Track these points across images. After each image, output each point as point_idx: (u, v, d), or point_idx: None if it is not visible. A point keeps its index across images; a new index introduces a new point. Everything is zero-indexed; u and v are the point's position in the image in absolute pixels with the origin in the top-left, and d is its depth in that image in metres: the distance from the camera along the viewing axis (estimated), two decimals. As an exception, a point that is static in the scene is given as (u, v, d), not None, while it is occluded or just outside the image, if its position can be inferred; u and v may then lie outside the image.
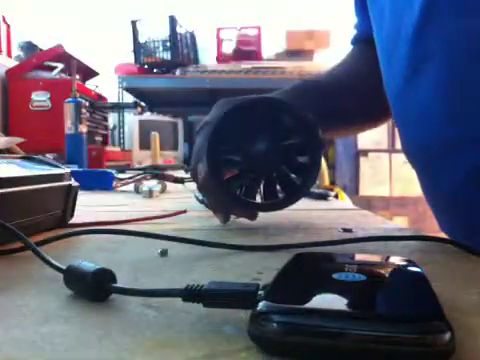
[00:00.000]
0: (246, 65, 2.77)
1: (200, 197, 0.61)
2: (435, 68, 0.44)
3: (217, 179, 0.45)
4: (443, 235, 0.53)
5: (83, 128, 1.50)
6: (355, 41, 0.69)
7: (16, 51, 2.33)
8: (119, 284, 0.24)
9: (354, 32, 0.69)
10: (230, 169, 0.48)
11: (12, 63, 2.10)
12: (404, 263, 0.26)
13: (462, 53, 0.42)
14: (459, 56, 0.43)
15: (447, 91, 0.44)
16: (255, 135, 0.46)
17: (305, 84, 0.62)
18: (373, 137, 3.00)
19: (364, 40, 0.64)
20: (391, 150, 3.02)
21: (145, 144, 2.49)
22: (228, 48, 3.01)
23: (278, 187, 0.48)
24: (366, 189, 3.04)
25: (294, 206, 0.48)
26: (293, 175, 0.47)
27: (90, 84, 2.33)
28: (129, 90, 2.94)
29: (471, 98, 0.43)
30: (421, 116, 0.47)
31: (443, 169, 0.47)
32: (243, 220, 0.49)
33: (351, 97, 0.63)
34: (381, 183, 3.04)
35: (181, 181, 0.97)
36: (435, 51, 0.44)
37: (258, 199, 0.48)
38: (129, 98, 3.02)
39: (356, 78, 0.64)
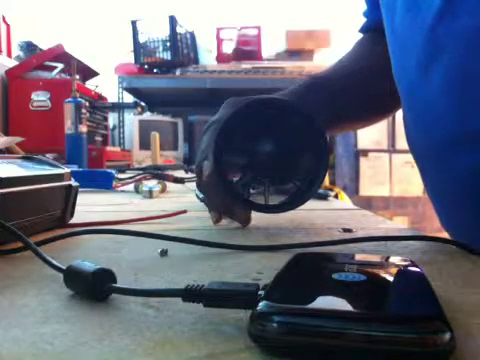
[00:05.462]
0: (246, 65, 2.77)
1: (201, 195, 0.61)
2: (449, 59, 0.43)
3: (222, 178, 0.45)
4: (443, 234, 0.53)
5: (83, 128, 1.50)
6: (365, 30, 0.67)
7: (16, 51, 2.32)
8: (119, 284, 0.24)
9: (363, 20, 0.67)
10: (235, 169, 0.48)
11: (12, 63, 2.09)
12: (404, 263, 0.26)
13: (474, 48, 0.42)
14: (472, 51, 0.42)
15: (457, 85, 0.44)
16: (262, 136, 0.46)
17: (315, 83, 0.61)
18: (373, 137, 3.00)
19: (375, 29, 0.62)
20: (391, 150, 3.02)
21: (145, 144, 2.49)
22: (228, 48, 3.01)
23: (282, 190, 0.48)
24: (366, 189, 3.04)
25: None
26: (298, 179, 0.47)
27: (90, 84, 2.33)
28: (129, 90, 2.94)
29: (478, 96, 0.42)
30: (431, 107, 0.47)
31: (448, 163, 0.47)
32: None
33: (363, 93, 0.62)
34: (381, 183, 3.04)
35: (181, 181, 0.97)
36: (450, 43, 0.43)
37: (261, 201, 0.48)
38: (129, 98, 3.01)
39: (368, 72, 0.62)
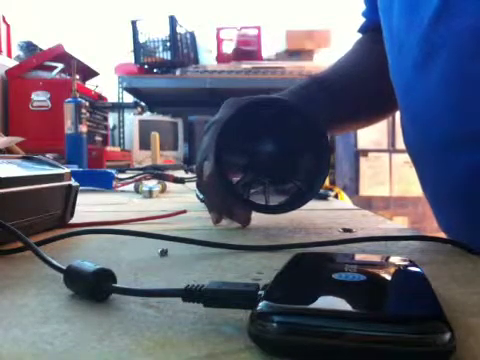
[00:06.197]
0: (246, 65, 2.77)
1: (201, 196, 0.61)
2: (447, 58, 0.43)
3: (222, 178, 0.45)
4: (443, 235, 0.53)
5: (83, 128, 1.50)
6: (364, 30, 0.67)
7: (16, 51, 2.32)
8: (119, 284, 0.24)
9: (362, 20, 0.67)
10: (235, 169, 0.48)
11: (12, 63, 2.10)
12: (404, 263, 0.26)
13: (471, 48, 0.42)
14: (470, 50, 0.42)
15: (454, 85, 0.44)
16: (262, 136, 0.46)
17: (314, 84, 0.61)
18: (373, 137, 3.00)
19: (374, 29, 0.62)
20: (391, 150, 3.02)
21: (145, 144, 2.49)
22: (228, 48, 3.01)
23: (283, 190, 0.48)
24: (366, 189, 3.04)
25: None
26: (298, 179, 0.47)
27: (90, 84, 2.33)
28: (129, 90, 2.94)
29: (476, 95, 0.42)
30: (428, 108, 0.47)
31: (445, 164, 0.47)
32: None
33: (363, 93, 0.62)
34: (381, 183, 3.03)
35: (181, 181, 0.97)
36: (447, 42, 0.43)
37: (261, 201, 0.48)
38: (129, 98, 3.01)
39: (367, 72, 0.62)
